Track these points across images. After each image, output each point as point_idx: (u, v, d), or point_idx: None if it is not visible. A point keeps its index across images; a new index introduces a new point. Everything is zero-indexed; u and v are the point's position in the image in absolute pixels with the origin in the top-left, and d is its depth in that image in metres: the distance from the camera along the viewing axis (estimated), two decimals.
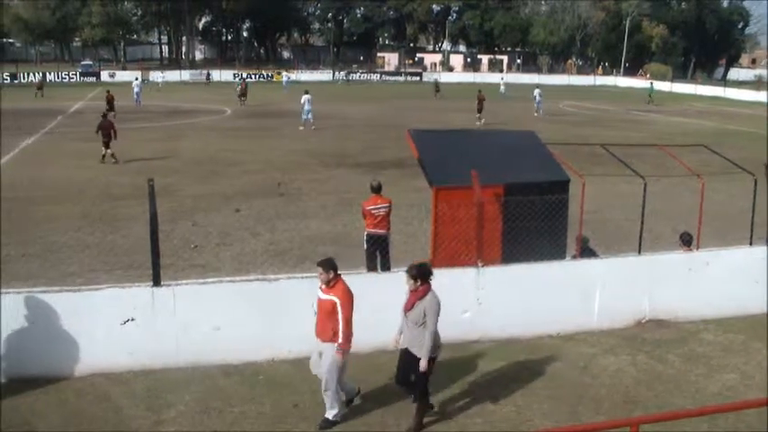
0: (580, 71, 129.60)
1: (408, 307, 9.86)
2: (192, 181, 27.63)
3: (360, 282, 12.79)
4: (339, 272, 10.12)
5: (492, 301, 12.86)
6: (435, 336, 9.75)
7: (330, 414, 10.12)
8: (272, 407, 10.64)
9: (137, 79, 68.66)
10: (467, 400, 10.93)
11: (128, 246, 18.43)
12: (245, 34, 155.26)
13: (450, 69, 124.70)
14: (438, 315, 9.75)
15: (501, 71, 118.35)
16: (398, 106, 59.22)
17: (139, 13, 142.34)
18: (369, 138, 40.81)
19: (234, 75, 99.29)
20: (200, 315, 11.65)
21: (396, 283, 12.77)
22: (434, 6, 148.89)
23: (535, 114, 54.91)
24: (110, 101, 48.78)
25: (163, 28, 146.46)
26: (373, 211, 15.24)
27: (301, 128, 44.64)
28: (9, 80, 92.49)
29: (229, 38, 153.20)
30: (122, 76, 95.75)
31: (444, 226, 13.77)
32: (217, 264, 17.16)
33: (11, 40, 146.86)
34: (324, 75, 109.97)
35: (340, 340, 9.81)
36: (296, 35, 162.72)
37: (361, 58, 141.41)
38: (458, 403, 10.83)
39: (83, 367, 11.42)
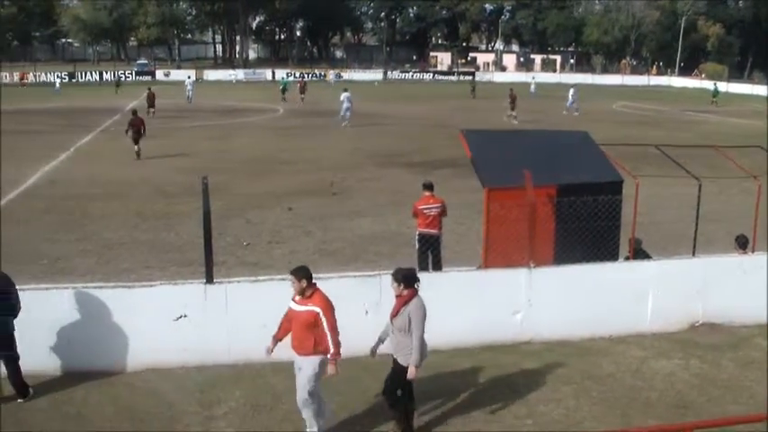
0: (634, 71, 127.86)
1: (393, 313, 9.51)
2: (245, 179, 27.85)
3: None
4: (314, 281, 9.63)
5: (543, 302, 12.78)
6: (421, 341, 9.38)
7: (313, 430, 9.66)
8: None
9: (189, 78, 69.71)
10: (517, 401, 10.86)
11: (181, 243, 18.64)
12: (298, 33, 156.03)
13: (503, 69, 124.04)
14: (424, 321, 9.35)
15: (554, 71, 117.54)
16: (451, 106, 59.08)
17: (194, 12, 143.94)
18: (421, 137, 40.78)
19: (278, 73, 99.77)
20: (252, 312, 11.70)
21: (447, 282, 12.80)
22: (487, 5, 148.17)
23: (564, 113, 54.73)
24: (151, 99, 50.00)
25: (217, 27, 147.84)
26: (425, 211, 15.23)
27: (344, 124, 45.20)
28: (67, 79, 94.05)
29: (282, 37, 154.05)
30: (177, 74, 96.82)
31: (496, 226, 13.69)
32: (269, 262, 17.27)
33: (69, 40, 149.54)
34: (376, 74, 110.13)
35: (332, 350, 9.24)
36: (349, 34, 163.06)
37: (414, 57, 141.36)
38: (508, 404, 10.75)
39: (135, 362, 11.58)
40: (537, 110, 55.96)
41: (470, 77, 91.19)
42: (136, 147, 32.72)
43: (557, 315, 12.88)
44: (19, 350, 10.68)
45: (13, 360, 10.65)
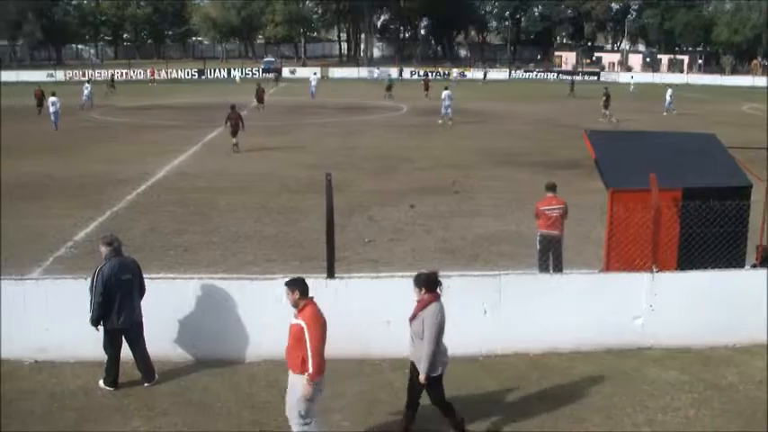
0: (766, 72, 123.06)
1: (411, 317, 9.23)
2: (367, 176, 28.05)
3: (531, 282, 12.69)
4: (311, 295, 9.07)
5: (665, 308, 12.39)
6: (438, 351, 9.08)
7: None
8: None
9: (315, 74, 71.07)
10: (635, 408, 10.55)
11: (303, 238, 18.88)
12: (422, 32, 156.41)
13: (629, 69, 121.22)
14: (438, 328, 9.01)
15: (681, 71, 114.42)
16: (572, 106, 58.17)
17: (320, 11, 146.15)
18: (543, 137, 40.29)
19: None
20: (372, 308, 11.77)
21: (568, 284, 12.58)
22: (613, 4, 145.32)
23: (664, 114, 53.38)
24: (260, 94, 51.56)
25: (342, 26, 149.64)
26: (547, 212, 15.00)
27: (440, 122, 45.18)
28: (197, 76, 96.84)
29: (407, 35, 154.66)
30: (302, 72, 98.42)
31: (619, 229, 13.38)
32: (389, 259, 17.32)
33: (199, 38, 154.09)
34: (501, 73, 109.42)
35: (309, 369, 8.60)
36: (473, 33, 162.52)
37: (538, 56, 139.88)
38: (626, 410, 10.47)
39: (256, 353, 11.78)
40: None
41: (569, 77, 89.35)
42: (233, 140, 34.07)
43: (679, 322, 12.47)
44: (146, 336, 11.05)
45: (140, 345, 11.02)
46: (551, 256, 14.99)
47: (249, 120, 47.07)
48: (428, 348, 8.95)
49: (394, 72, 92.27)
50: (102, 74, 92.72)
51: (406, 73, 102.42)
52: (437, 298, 9.14)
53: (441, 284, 9.22)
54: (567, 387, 11.09)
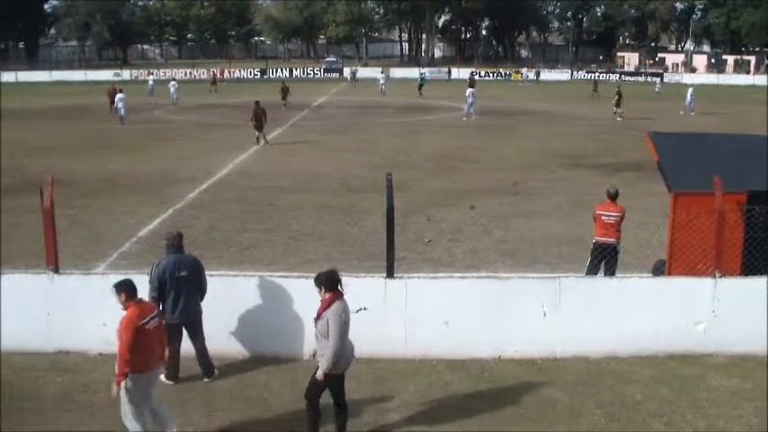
0: None
1: (316, 318, 9.21)
2: (428, 176, 28.03)
3: (591, 285, 12.57)
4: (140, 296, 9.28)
5: (728, 314, 12.14)
6: (344, 349, 9.07)
7: None
8: (494, 405, 10.58)
9: (382, 73, 72.32)
10: (695, 414, 10.38)
11: (363, 237, 18.93)
12: (483, 32, 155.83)
13: (693, 70, 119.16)
14: (343, 326, 9.01)
15: (747, 72, 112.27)
16: (635, 108, 57.35)
17: (381, 11, 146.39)
18: (607, 138, 39.83)
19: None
20: (430, 309, 11.78)
21: (629, 288, 12.41)
22: (678, 4, 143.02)
23: (681, 113, 53.60)
24: (284, 92, 54.20)
25: (403, 26, 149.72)
26: (603, 217, 14.61)
27: (464, 119, 47.82)
28: (259, 75, 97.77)
29: (468, 36, 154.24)
30: (363, 72, 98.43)
31: (682, 233, 13.16)
32: (449, 259, 17.28)
33: (262, 38, 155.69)
34: (562, 74, 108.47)
35: (116, 371, 8.81)
36: (534, 34, 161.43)
37: (600, 57, 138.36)
38: (686, 417, 10.30)
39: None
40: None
41: (592, 76, 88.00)
42: (257, 134, 36.46)
43: (742, 328, 12.19)
44: (206, 332, 11.20)
45: (198, 340, 11.17)
46: (604, 266, 14.63)
47: (310, 119, 47.72)
48: (334, 347, 8.95)
49: (426, 72, 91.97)
50: (167, 73, 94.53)
51: (467, 73, 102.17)
52: (340, 296, 9.16)
53: (341, 282, 9.24)
54: (625, 392, 10.95)
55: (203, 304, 11.20)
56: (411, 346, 11.84)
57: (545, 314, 11.82)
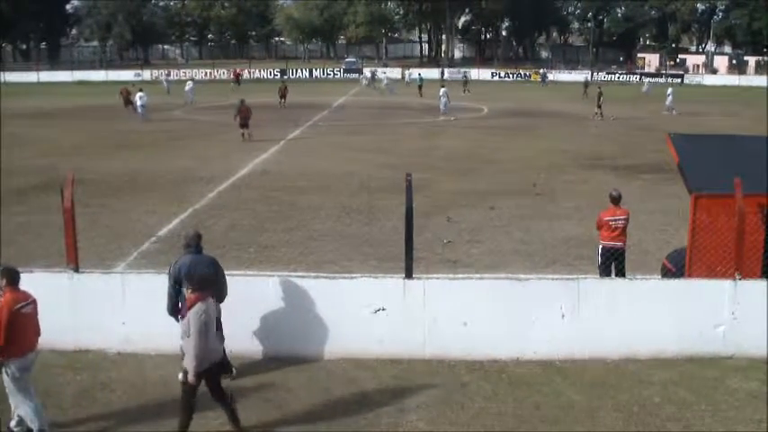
0: None
1: (182, 316, 9.50)
2: (448, 177, 27.99)
3: (609, 287, 12.51)
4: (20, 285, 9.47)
5: (748, 317, 12.04)
6: (206, 348, 9.25)
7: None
8: (513, 406, 10.55)
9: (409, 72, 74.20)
10: (714, 418, 10.31)
11: (383, 237, 18.92)
12: (503, 33, 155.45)
13: (714, 72, 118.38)
14: (202, 326, 9.17)
15: None
16: (653, 109, 57.11)
17: (402, 12, 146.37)
18: (627, 140, 39.67)
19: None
20: (449, 310, 11.77)
21: (648, 290, 12.36)
22: (699, 5, 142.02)
23: (664, 113, 53.96)
24: (282, 92, 55.99)
25: (424, 26, 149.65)
26: (611, 223, 14.52)
27: (442, 118, 48.73)
28: (279, 76, 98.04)
29: (488, 37, 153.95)
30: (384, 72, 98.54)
31: (702, 235, 13.07)
32: (468, 260, 17.25)
33: (282, 39, 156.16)
34: (581, 75, 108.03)
35: None
36: (555, 34, 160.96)
37: (621, 58, 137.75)
38: (704, 420, 10.23)
39: (333, 351, 11.86)
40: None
41: (583, 79, 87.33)
42: (242, 131, 37.79)
43: (762, 331, 12.09)
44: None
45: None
46: (614, 269, 14.55)
47: (327, 120, 47.75)
48: (194, 347, 9.13)
49: (424, 72, 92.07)
50: (186, 73, 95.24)
51: (486, 74, 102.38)
52: (203, 298, 9.33)
53: (208, 283, 9.63)
54: (644, 394, 10.89)
55: (221, 304, 11.21)
56: (430, 346, 11.84)
57: (564, 315, 11.79)
